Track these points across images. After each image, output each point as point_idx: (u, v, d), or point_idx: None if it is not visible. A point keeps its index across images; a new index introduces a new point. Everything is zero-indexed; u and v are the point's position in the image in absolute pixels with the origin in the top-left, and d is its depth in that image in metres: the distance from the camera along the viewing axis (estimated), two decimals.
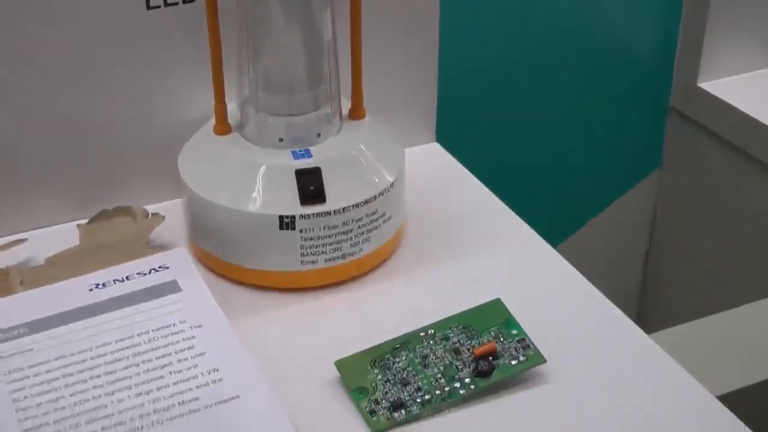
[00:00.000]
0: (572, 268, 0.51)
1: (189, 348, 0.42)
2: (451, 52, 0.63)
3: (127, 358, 0.42)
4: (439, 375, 0.42)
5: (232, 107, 0.51)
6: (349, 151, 0.49)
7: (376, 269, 0.51)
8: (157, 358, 0.42)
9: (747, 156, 0.78)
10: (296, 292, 0.49)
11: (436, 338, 0.44)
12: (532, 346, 0.43)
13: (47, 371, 0.41)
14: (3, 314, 0.44)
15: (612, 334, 0.46)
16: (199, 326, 0.43)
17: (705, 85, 0.79)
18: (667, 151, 0.85)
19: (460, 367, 0.42)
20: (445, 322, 0.45)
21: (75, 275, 0.46)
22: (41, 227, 0.54)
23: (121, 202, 0.53)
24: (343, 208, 0.48)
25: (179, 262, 0.47)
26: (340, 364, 0.43)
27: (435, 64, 0.60)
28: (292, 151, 0.48)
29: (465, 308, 0.45)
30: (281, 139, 0.49)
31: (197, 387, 0.40)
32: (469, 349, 0.43)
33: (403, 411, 0.41)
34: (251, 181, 0.48)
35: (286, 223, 0.47)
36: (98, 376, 0.40)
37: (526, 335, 0.44)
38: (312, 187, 0.47)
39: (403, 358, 0.43)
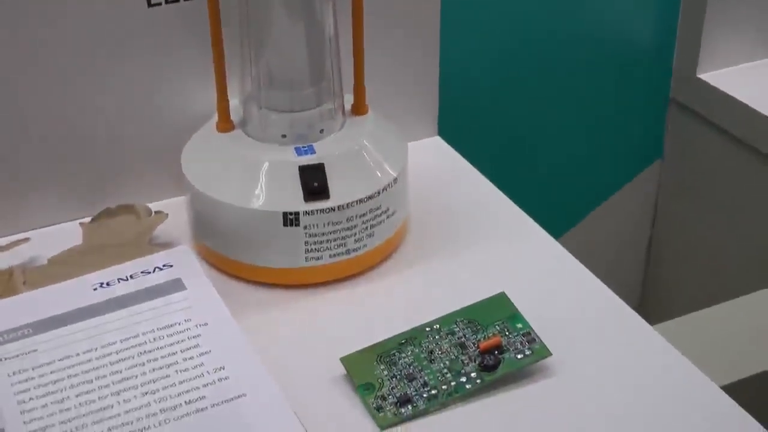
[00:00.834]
0: (575, 260, 0.51)
1: (195, 346, 0.42)
2: (452, 45, 0.63)
3: (133, 357, 0.42)
4: (445, 370, 0.42)
5: (234, 104, 0.51)
6: (352, 146, 0.49)
7: (381, 264, 0.51)
8: (162, 357, 0.42)
9: (747, 146, 0.78)
10: (301, 289, 0.49)
11: (441, 333, 0.44)
12: (537, 340, 0.43)
13: (52, 372, 0.41)
14: (6, 315, 0.44)
15: (616, 326, 0.46)
16: (205, 324, 0.43)
17: (704, 76, 0.79)
18: (667, 142, 0.85)
19: (465, 361, 0.42)
20: (451, 316, 0.45)
21: (78, 274, 0.46)
22: (44, 226, 0.54)
23: (124, 200, 0.53)
24: (347, 204, 0.47)
25: (183, 260, 0.47)
26: (346, 361, 0.43)
27: (436, 58, 0.60)
28: (295, 148, 0.48)
29: (470, 302, 0.45)
30: (284, 136, 0.49)
31: (204, 385, 0.40)
32: (474, 344, 0.43)
33: (409, 406, 0.41)
34: (254, 178, 0.48)
35: (290, 219, 0.47)
36: (104, 377, 0.40)
37: (532, 329, 0.44)
38: (316, 183, 0.47)
39: (409, 353, 0.43)
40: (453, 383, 0.42)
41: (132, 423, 0.38)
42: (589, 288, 0.49)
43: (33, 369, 0.41)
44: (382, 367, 0.42)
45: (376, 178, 0.49)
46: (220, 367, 0.41)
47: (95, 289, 0.45)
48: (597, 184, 0.85)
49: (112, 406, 0.39)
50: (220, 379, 0.40)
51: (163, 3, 0.51)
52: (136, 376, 0.41)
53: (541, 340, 0.43)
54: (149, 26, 0.51)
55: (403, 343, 0.44)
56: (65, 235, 0.52)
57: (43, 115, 0.51)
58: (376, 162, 0.49)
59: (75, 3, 0.49)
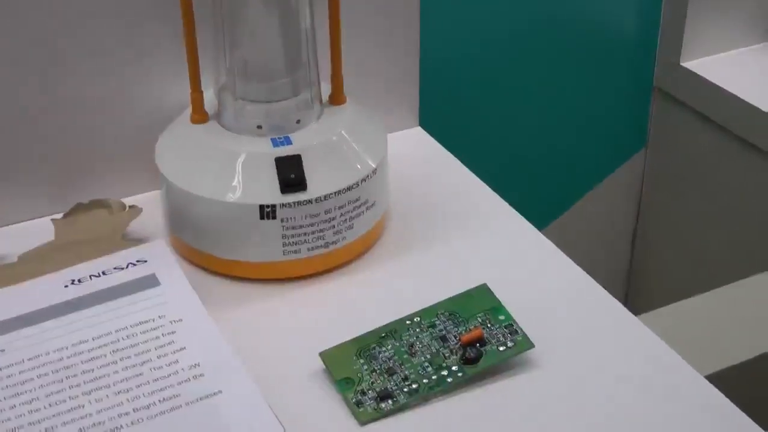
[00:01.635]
0: (558, 250, 0.50)
1: (169, 343, 0.41)
2: (433, 33, 0.62)
3: (105, 355, 0.41)
4: (426, 363, 0.41)
5: (209, 95, 0.50)
6: (330, 137, 0.48)
7: (360, 257, 0.50)
8: (136, 355, 0.41)
9: (731, 134, 0.77)
10: (279, 283, 0.48)
11: (422, 326, 0.43)
12: (520, 332, 0.42)
13: (21, 372, 0.40)
14: None
15: (599, 316, 0.46)
16: (180, 320, 0.42)
17: (688, 64, 0.79)
18: (652, 131, 0.84)
19: (447, 354, 0.41)
20: (432, 309, 0.44)
21: (50, 272, 0.45)
22: (14, 223, 0.53)
23: (97, 195, 0.52)
24: (325, 196, 0.46)
25: (157, 256, 0.46)
26: (325, 355, 0.42)
27: (417, 47, 0.59)
28: (271, 139, 0.47)
29: (451, 294, 0.44)
30: (260, 127, 0.48)
31: (178, 383, 0.39)
32: (456, 336, 0.42)
33: (390, 401, 0.40)
34: (230, 170, 0.47)
35: (267, 212, 0.46)
36: (75, 376, 0.39)
37: (514, 320, 0.43)
38: (293, 175, 0.46)
39: (389, 347, 0.42)
40: (434, 377, 0.41)
41: (104, 423, 0.37)
42: (572, 279, 0.48)
43: (1, 369, 0.40)
44: (362, 361, 0.41)
45: (355, 169, 0.48)
46: (195, 364, 0.40)
47: (67, 287, 0.44)
48: (581, 174, 0.84)
49: (83, 406, 0.38)
50: (195, 376, 0.39)
51: None
52: (109, 375, 0.40)
53: (523, 332, 0.42)
54: (120, 16, 0.50)
55: (383, 337, 0.43)
56: (36, 231, 0.51)
57: (10, 109, 0.50)
58: (354, 153, 0.48)
59: None
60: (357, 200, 0.48)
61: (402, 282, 0.48)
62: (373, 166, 0.49)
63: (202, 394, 0.39)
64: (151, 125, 0.51)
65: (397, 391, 0.40)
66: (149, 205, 0.51)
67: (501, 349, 0.42)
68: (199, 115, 0.49)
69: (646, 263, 0.89)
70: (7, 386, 0.39)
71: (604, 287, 0.47)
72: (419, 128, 0.62)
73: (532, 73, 0.77)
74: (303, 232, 0.47)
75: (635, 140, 0.85)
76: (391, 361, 0.41)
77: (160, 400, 0.38)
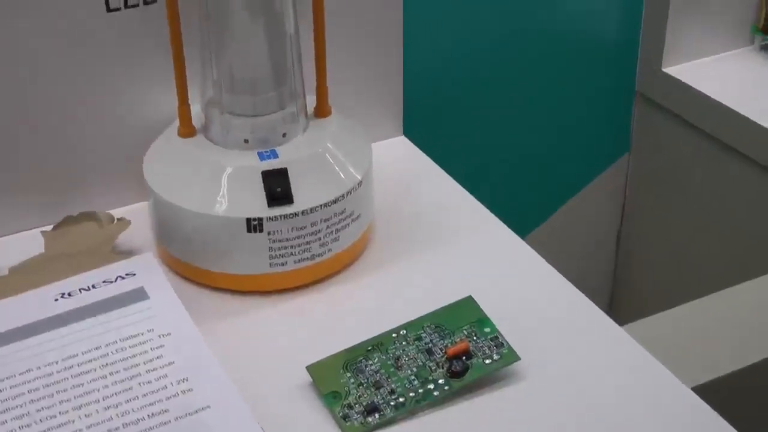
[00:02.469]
0: (543, 260, 0.51)
1: (158, 357, 0.42)
2: (415, 42, 0.62)
3: (95, 369, 0.41)
4: (413, 377, 0.42)
5: (196, 109, 0.50)
6: (316, 150, 0.49)
7: (346, 269, 0.50)
8: (125, 369, 0.41)
9: (713, 139, 0.78)
10: (266, 295, 0.48)
11: (408, 339, 0.44)
12: (505, 344, 0.43)
13: (12, 387, 0.40)
14: None
15: (585, 327, 0.46)
16: (168, 334, 0.43)
17: (669, 69, 0.79)
18: (635, 136, 0.85)
19: (433, 368, 0.42)
20: (418, 321, 0.44)
21: (40, 284, 0.46)
22: (4, 235, 0.53)
23: (86, 207, 0.53)
24: (311, 209, 0.47)
25: (146, 269, 0.46)
26: (312, 369, 0.42)
27: (400, 57, 0.59)
28: (258, 152, 0.48)
29: (437, 306, 0.45)
30: (246, 140, 0.48)
31: (167, 398, 0.39)
32: (442, 349, 0.43)
33: (377, 415, 0.40)
34: (217, 184, 0.47)
35: (254, 225, 0.46)
36: (65, 390, 0.40)
37: (500, 333, 0.43)
38: (279, 189, 0.47)
39: (376, 360, 0.43)
40: (421, 390, 0.41)
41: None
42: (556, 289, 0.49)
43: None
44: (349, 374, 0.42)
45: (341, 182, 0.48)
46: (184, 379, 0.40)
47: (57, 300, 0.45)
48: (565, 179, 0.85)
49: (74, 421, 0.38)
50: (183, 391, 0.40)
51: (123, 7, 0.50)
52: (99, 390, 0.40)
53: (509, 345, 0.43)
54: (109, 31, 0.50)
55: (369, 350, 0.43)
56: (27, 243, 0.51)
57: (0, 122, 0.50)
58: (340, 165, 0.49)
59: (31, 7, 0.48)
60: (343, 212, 0.48)
61: (388, 294, 0.49)
62: (359, 178, 0.49)
63: (191, 409, 0.39)
64: (139, 138, 0.52)
65: (384, 405, 0.41)
66: (138, 217, 0.51)
67: (487, 362, 0.42)
68: (187, 129, 0.50)
69: (632, 269, 0.90)
70: None
71: (589, 294, 0.48)
72: (403, 137, 0.62)
73: (514, 79, 0.77)
74: (290, 244, 0.47)
75: (619, 145, 0.86)
76: (378, 374, 0.42)
77: (149, 415, 0.39)
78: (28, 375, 0.41)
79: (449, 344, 0.43)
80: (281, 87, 0.48)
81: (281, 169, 0.47)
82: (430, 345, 0.43)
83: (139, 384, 0.40)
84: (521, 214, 0.81)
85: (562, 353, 0.44)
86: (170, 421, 0.38)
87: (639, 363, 0.44)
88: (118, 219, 0.52)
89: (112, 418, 0.39)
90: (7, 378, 0.41)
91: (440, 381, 0.42)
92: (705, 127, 0.78)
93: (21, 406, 0.39)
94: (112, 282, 0.46)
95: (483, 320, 0.44)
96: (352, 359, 0.43)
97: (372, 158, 0.51)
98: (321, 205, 0.47)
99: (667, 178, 0.84)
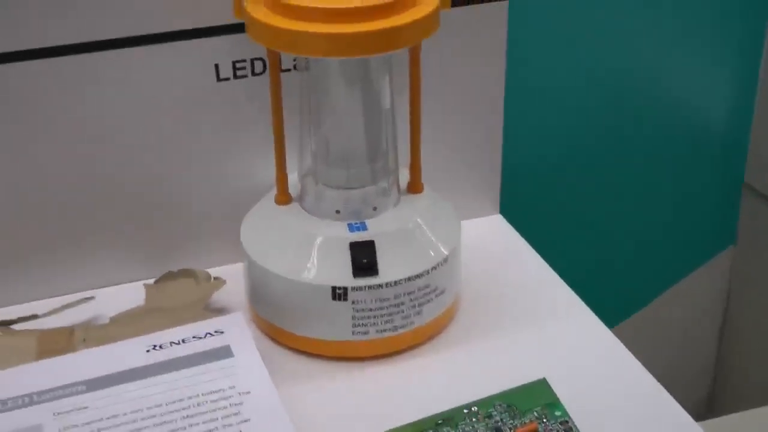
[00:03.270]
0: (627, 350, 0.51)
1: (235, 414, 0.43)
2: (517, 122, 0.63)
3: (176, 420, 0.43)
4: None
5: (294, 178, 0.52)
6: (404, 225, 0.50)
7: (427, 342, 0.51)
8: (204, 423, 0.43)
9: None
10: (346, 362, 0.50)
11: (479, 416, 0.44)
12: (575, 429, 0.43)
13: (99, 429, 0.42)
14: (64, 372, 0.46)
15: (661, 423, 0.46)
16: (248, 392, 0.45)
17: None
18: (741, 228, 0.84)
19: None
20: (490, 399, 0.45)
21: (136, 335, 0.48)
22: (109, 286, 0.56)
23: (187, 264, 0.55)
24: (395, 281, 0.48)
25: (234, 328, 0.49)
26: None
27: (499, 136, 0.60)
28: (348, 224, 0.50)
29: (511, 386, 0.46)
30: (338, 211, 0.50)
31: None
32: (511, 429, 0.43)
33: None
34: (307, 252, 0.49)
35: (339, 294, 0.48)
36: None
37: (570, 417, 0.44)
38: (365, 260, 0.48)
39: None
40: None
41: None
42: (636, 381, 0.48)
43: (82, 425, 0.43)
44: None
45: (427, 257, 0.50)
46: None
47: (148, 351, 0.47)
48: (664, 269, 0.84)
49: None
50: None
51: (232, 77, 0.53)
52: None
53: (578, 430, 0.43)
54: (217, 100, 0.53)
55: (439, 423, 0.44)
56: (129, 294, 0.54)
57: (114, 181, 0.54)
58: (427, 241, 0.50)
59: (148, 73, 0.52)
60: (427, 287, 0.50)
61: (465, 369, 0.49)
62: (445, 254, 0.50)
63: None
64: (239, 202, 0.54)
65: None
66: (233, 277, 0.54)
67: None
68: (283, 197, 0.52)
69: (733, 364, 0.88)
70: None
71: (685, 387, 0.47)
72: (499, 215, 0.63)
73: (618, 165, 0.78)
74: (372, 314, 0.49)
75: (724, 236, 0.85)
76: None
77: None
78: (115, 420, 0.43)
79: (519, 424, 0.44)
80: (375, 162, 0.50)
81: (369, 241, 0.49)
82: (499, 423, 0.44)
83: None
84: (618, 299, 0.80)
85: None
86: None
87: None
88: (214, 278, 0.54)
89: None
90: (96, 421, 0.43)
91: None
92: None
93: None
94: (201, 338, 0.48)
95: (554, 404, 0.44)
96: (423, 431, 0.44)
97: (461, 236, 0.52)
98: (405, 279, 0.49)
99: None
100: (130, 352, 0.47)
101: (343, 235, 0.49)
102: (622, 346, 0.51)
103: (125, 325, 0.51)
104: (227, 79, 0.53)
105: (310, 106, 0.50)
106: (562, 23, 0.70)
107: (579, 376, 0.48)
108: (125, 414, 0.43)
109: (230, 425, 0.43)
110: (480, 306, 0.54)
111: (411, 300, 0.49)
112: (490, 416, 0.44)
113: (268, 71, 0.50)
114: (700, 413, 0.72)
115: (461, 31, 0.56)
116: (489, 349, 0.51)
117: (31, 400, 0.44)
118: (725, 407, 0.71)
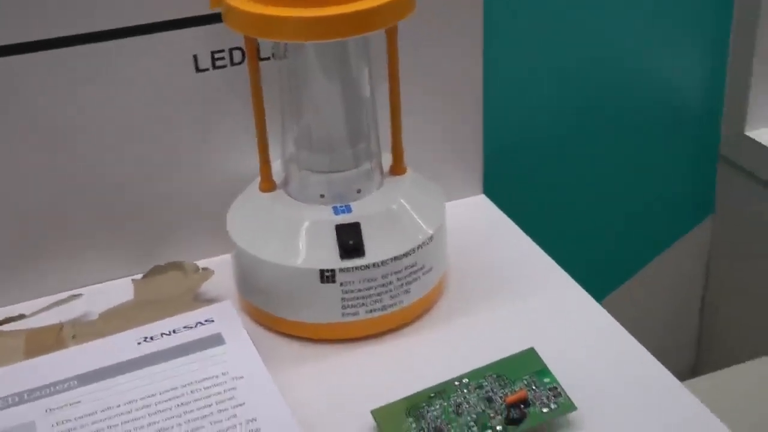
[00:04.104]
0: (612, 318, 0.51)
1: (229, 399, 0.44)
2: (497, 101, 0.64)
3: (171, 409, 0.43)
4: (472, 423, 0.43)
5: (277, 165, 0.53)
6: (389, 206, 0.51)
7: (417, 320, 0.52)
8: (198, 409, 0.43)
9: None
10: (337, 343, 0.50)
11: (470, 387, 0.45)
12: (563, 394, 0.44)
13: (93, 423, 0.43)
14: (55, 368, 0.46)
15: (645, 383, 0.47)
16: (241, 377, 0.45)
17: (752, 133, 0.79)
18: (719, 199, 0.85)
19: (492, 415, 0.43)
20: (480, 371, 0.46)
21: (126, 329, 0.49)
22: (97, 283, 0.56)
23: (174, 258, 0.56)
24: (382, 262, 0.49)
25: (224, 316, 0.49)
26: (377, 413, 0.44)
27: (479, 117, 0.61)
28: (333, 207, 0.50)
29: (501, 357, 0.46)
30: (323, 196, 0.51)
31: None
32: (501, 398, 0.44)
33: None
34: (294, 237, 0.49)
35: (327, 276, 0.49)
36: (142, 428, 0.42)
37: (558, 383, 0.44)
38: (351, 242, 0.49)
39: (438, 406, 0.44)
40: None
41: None
42: (622, 345, 0.49)
43: (76, 419, 0.43)
44: (411, 420, 0.43)
45: (412, 236, 0.50)
46: (252, 419, 0.42)
47: (139, 343, 0.47)
48: (646, 241, 0.85)
49: None
50: (251, 431, 0.42)
51: (211, 68, 0.53)
52: (173, 427, 0.42)
53: (566, 395, 0.44)
54: (196, 91, 0.54)
55: (432, 397, 0.44)
56: (117, 291, 0.55)
57: (96, 177, 0.54)
58: (411, 220, 0.51)
59: (126, 66, 0.52)
60: (413, 266, 0.50)
61: (455, 345, 0.50)
62: (430, 233, 0.51)
63: None
64: (224, 193, 0.55)
65: None
66: (221, 267, 0.54)
67: (544, 410, 0.43)
68: (267, 184, 0.52)
69: (715, 333, 0.89)
70: None
71: (672, 355, 0.48)
72: (483, 196, 0.64)
73: (596, 141, 0.78)
74: (361, 295, 0.49)
75: (702, 208, 0.86)
76: (439, 420, 0.43)
77: None
78: (109, 412, 0.43)
79: (509, 393, 0.44)
80: (356, 146, 0.51)
81: (354, 223, 0.49)
82: (490, 393, 0.44)
83: (210, 423, 0.42)
84: (600, 274, 0.81)
85: (620, 406, 0.45)
86: None
87: (702, 422, 0.44)
88: (202, 269, 0.54)
89: None
90: (89, 414, 0.43)
91: (498, 428, 0.43)
92: None
93: None
94: (191, 328, 0.48)
95: (543, 371, 0.45)
96: (415, 405, 0.44)
97: (445, 215, 0.53)
98: (391, 258, 0.49)
99: (752, 240, 0.83)
100: (122, 345, 0.48)
101: (328, 219, 0.49)
102: (606, 313, 0.52)
103: (115, 320, 0.52)
104: (206, 69, 0.53)
105: (291, 93, 0.50)
106: (539, 3, 0.71)
107: (567, 346, 0.49)
108: (119, 406, 0.44)
109: (225, 410, 0.43)
110: (467, 283, 0.55)
111: (398, 279, 0.50)
112: (481, 387, 0.45)
113: (246, 60, 0.50)
114: (684, 378, 0.73)
115: (439, 13, 0.57)
116: (478, 324, 0.51)
117: (21, 398, 0.44)
118: (710, 371, 0.72)
